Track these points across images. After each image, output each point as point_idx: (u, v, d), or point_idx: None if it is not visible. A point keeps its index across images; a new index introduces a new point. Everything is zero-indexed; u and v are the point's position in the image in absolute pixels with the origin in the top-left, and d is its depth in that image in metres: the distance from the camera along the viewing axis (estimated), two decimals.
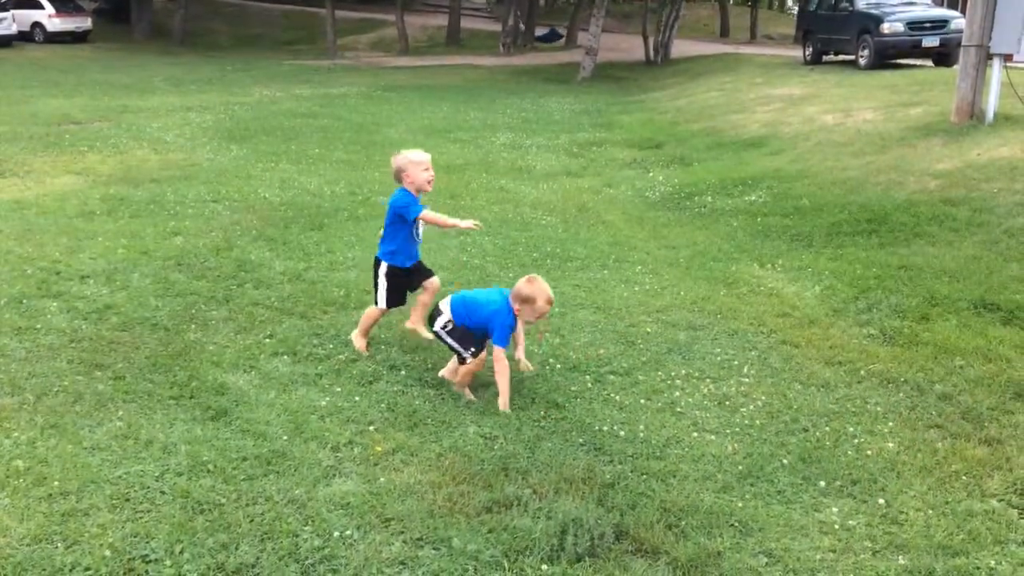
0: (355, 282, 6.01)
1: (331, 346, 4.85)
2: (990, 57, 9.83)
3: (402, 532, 3.12)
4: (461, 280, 6.17)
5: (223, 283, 5.87)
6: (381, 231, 4.83)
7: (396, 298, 4.85)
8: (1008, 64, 10.18)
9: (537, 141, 13.52)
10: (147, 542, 3.00)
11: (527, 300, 4.23)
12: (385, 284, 4.78)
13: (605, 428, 4.04)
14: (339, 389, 4.30)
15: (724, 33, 39.14)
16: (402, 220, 4.68)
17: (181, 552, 2.95)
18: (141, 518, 3.14)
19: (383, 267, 4.78)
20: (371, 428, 3.91)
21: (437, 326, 4.39)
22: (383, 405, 4.15)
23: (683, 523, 3.25)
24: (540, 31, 36.78)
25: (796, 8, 39.80)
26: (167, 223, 7.41)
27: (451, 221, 4.68)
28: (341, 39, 33.78)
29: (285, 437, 3.77)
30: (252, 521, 3.14)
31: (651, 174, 10.88)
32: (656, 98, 18.87)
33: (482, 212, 8.43)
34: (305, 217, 7.84)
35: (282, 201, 8.42)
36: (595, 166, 11.68)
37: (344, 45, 34.01)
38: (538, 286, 4.23)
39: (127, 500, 3.25)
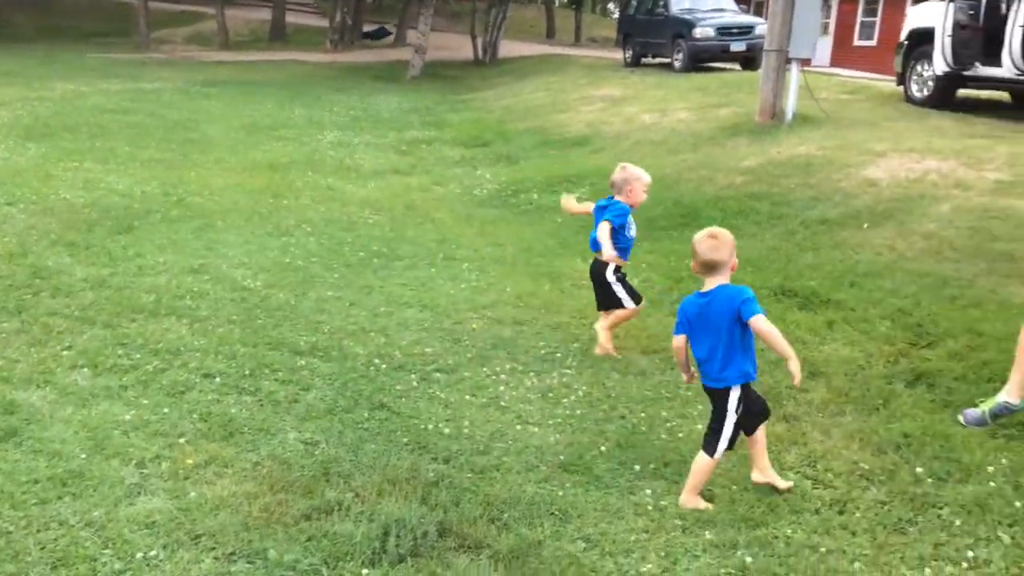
0: (166, 287, 5.68)
1: (138, 356, 4.56)
2: (789, 61, 10.56)
3: (213, 548, 2.97)
4: (284, 282, 5.98)
5: (15, 292, 5.40)
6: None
7: (635, 292, 5.04)
8: (806, 69, 10.99)
9: (365, 139, 13.33)
10: None
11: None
12: (620, 285, 4.98)
13: (430, 426, 4.02)
14: (146, 401, 4.05)
15: (550, 35, 40.09)
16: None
17: None
18: None
19: (610, 268, 4.96)
20: (181, 440, 3.71)
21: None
22: (195, 415, 3.94)
23: (505, 515, 3.28)
24: (368, 28, 36.29)
25: (617, 12, 41.29)
26: None
27: (611, 253, 4.81)
28: (156, 32, 32.05)
29: (83, 456, 3.51)
30: (44, 548, 2.90)
31: (479, 172, 10.97)
32: (484, 97, 19.06)
33: (307, 211, 8.22)
34: (112, 219, 7.34)
35: (86, 203, 7.85)
36: (424, 164, 11.66)
37: (160, 38, 32.28)
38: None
39: None
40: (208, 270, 6.14)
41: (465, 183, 10.30)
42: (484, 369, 4.72)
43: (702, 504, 3.37)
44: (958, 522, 3.18)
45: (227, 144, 11.98)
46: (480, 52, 27.06)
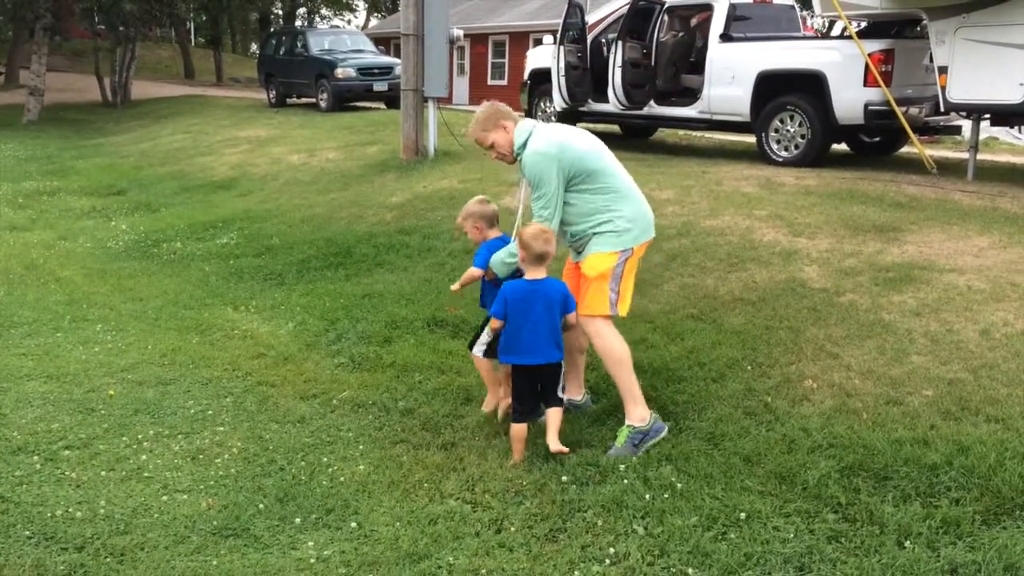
0: None
1: None
2: (426, 100, 11.02)
3: None
4: None
5: None
6: None
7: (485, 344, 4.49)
8: (445, 107, 11.55)
9: None
10: None
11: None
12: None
13: (59, 512, 3.54)
14: None
15: (189, 75, 38.22)
16: None
17: None
18: None
19: None
20: None
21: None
22: None
23: None
24: None
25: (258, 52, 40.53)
26: None
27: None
28: None
29: None
30: None
31: (114, 223, 10.08)
32: (118, 142, 17.65)
33: None
34: None
35: None
36: (47, 218, 10.48)
37: None
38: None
39: None
40: None
41: (97, 236, 9.41)
42: (123, 439, 4.28)
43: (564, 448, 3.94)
44: (600, 522, 3.43)
45: None
46: (109, 94, 25.05)
